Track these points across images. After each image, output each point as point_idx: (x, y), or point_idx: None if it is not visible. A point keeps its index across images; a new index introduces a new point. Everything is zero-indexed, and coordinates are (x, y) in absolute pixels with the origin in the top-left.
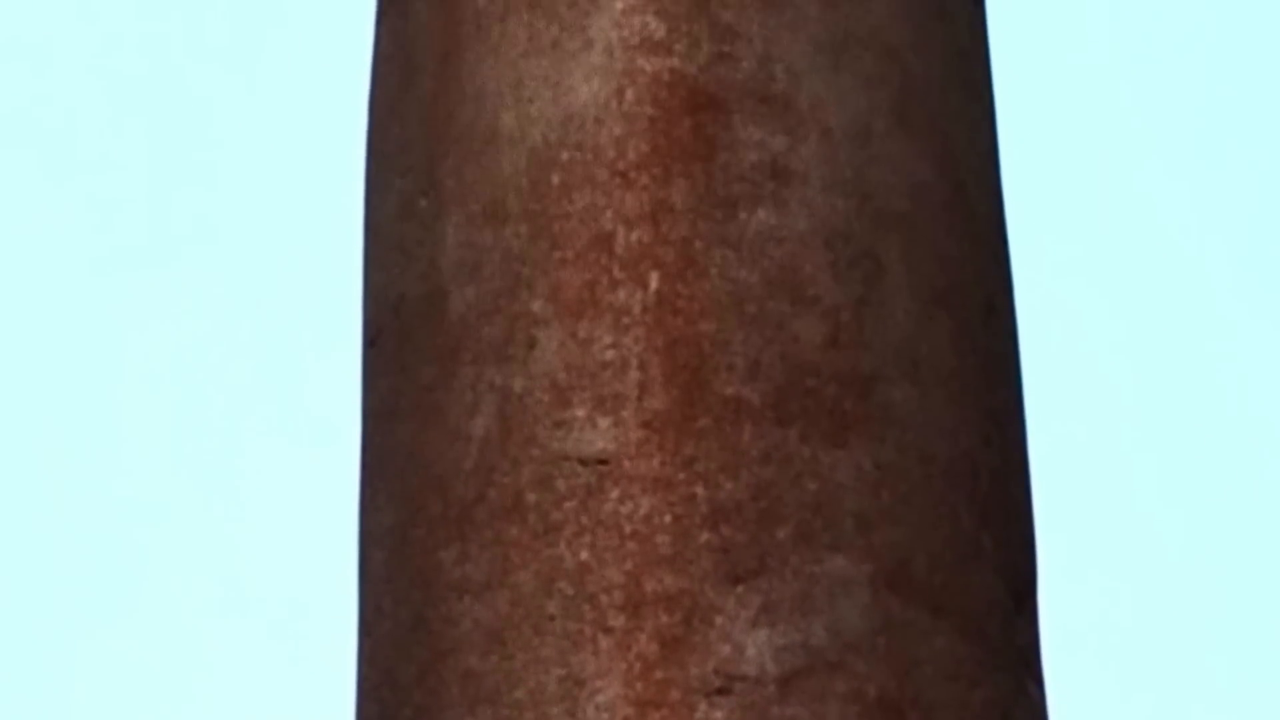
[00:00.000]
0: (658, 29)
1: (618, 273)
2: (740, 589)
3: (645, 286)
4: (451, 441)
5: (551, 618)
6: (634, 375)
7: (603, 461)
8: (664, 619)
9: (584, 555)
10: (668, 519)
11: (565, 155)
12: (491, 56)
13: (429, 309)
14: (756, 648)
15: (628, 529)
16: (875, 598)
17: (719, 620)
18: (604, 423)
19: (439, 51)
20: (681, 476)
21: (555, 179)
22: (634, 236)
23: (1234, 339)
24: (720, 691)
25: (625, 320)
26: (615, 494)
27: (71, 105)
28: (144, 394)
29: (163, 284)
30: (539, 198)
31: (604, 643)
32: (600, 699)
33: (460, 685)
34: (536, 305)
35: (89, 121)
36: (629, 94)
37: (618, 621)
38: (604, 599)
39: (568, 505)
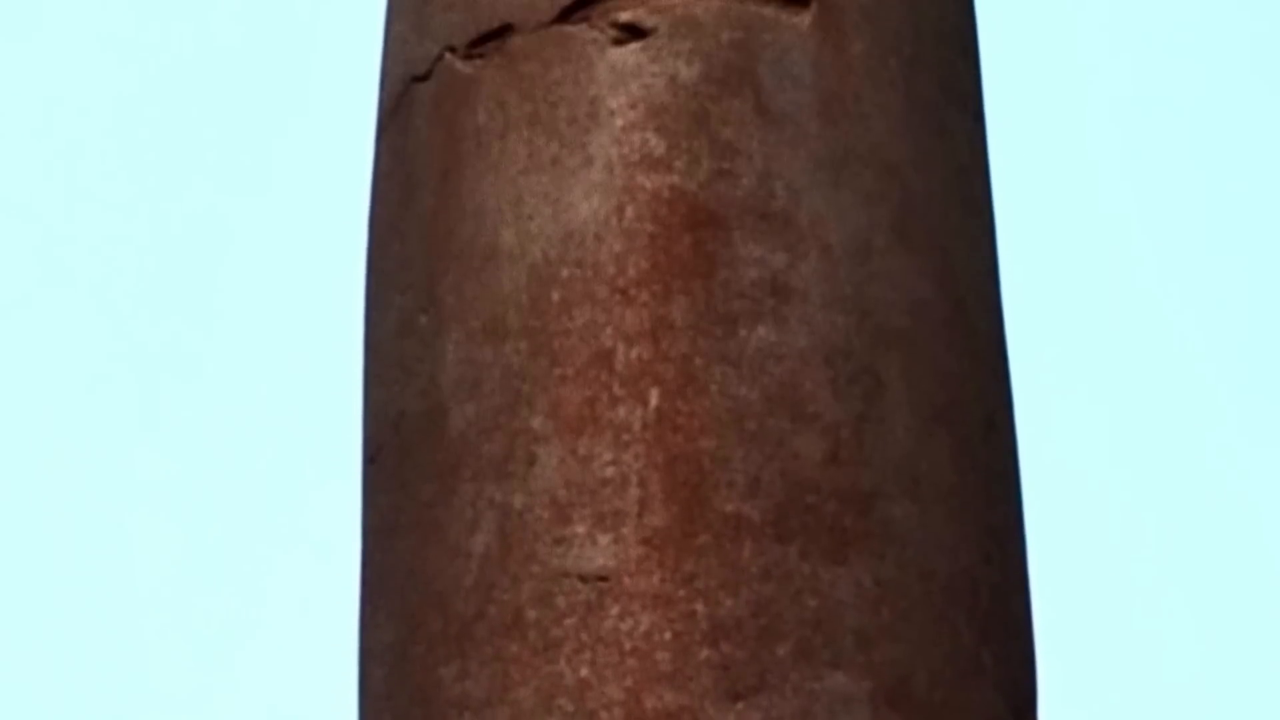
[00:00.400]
0: (658, 146)
1: (618, 389)
2: (740, 706)
3: (645, 403)
4: (451, 558)
5: None
6: (634, 492)
7: (603, 578)
8: None
9: (584, 672)
10: (668, 635)
11: (565, 272)
12: (492, 173)
13: (429, 425)
14: None
15: (628, 645)
16: (876, 714)
17: None
18: (604, 539)
19: (439, 168)
20: (681, 593)
21: (555, 295)
22: (634, 353)
23: (1235, 455)
24: None
25: (625, 437)
26: (615, 610)
27: (72, 229)
28: (144, 511)
29: (163, 400)
30: (539, 314)
31: None
32: None
33: None
34: (536, 422)
35: (90, 241)
36: (629, 211)
37: None
38: (604, 715)
39: (568, 622)
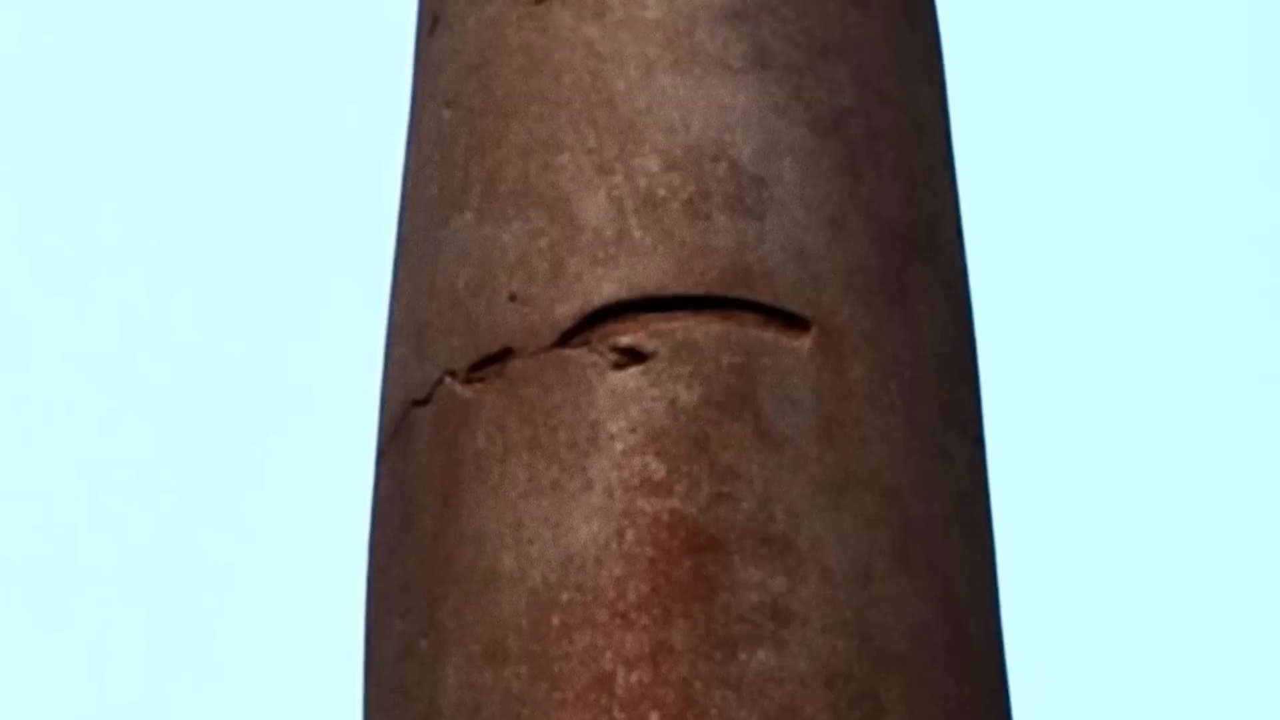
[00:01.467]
0: (658, 470)
1: (618, 714)
2: None
3: None
4: None
5: None
6: None
7: None
8: None
9: None
10: None
11: (565, 596)
12: (492, 497)
13: None
14: None
15: None
16: None
17: None
18: None
19: (439, 492)
20: None
21: (555, 620)
22: (634, 677)
23: None
24: None
25: None
26: None
27: (76, 555)
28: None
29: (161, 697)
30: (539, 638)
31: None
32: None
33: None
34: None
35: (88, 573)
36: (629, 535)
37: None
38: None
39: None
